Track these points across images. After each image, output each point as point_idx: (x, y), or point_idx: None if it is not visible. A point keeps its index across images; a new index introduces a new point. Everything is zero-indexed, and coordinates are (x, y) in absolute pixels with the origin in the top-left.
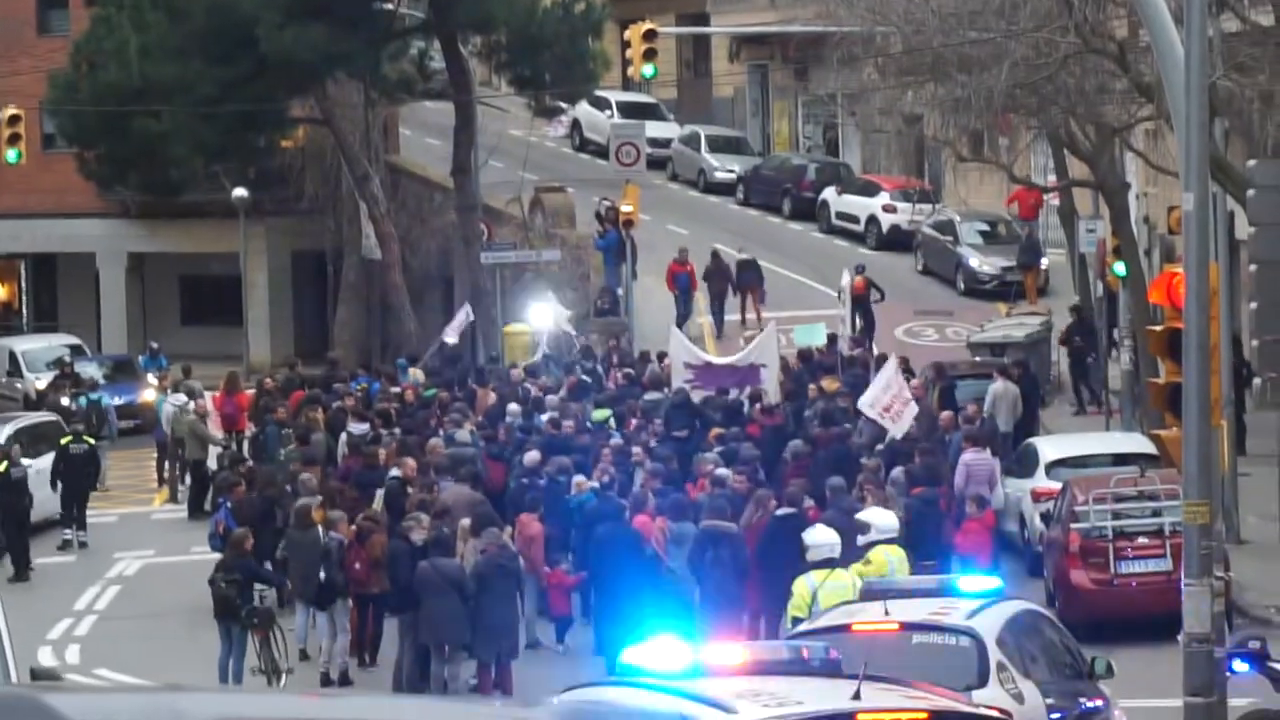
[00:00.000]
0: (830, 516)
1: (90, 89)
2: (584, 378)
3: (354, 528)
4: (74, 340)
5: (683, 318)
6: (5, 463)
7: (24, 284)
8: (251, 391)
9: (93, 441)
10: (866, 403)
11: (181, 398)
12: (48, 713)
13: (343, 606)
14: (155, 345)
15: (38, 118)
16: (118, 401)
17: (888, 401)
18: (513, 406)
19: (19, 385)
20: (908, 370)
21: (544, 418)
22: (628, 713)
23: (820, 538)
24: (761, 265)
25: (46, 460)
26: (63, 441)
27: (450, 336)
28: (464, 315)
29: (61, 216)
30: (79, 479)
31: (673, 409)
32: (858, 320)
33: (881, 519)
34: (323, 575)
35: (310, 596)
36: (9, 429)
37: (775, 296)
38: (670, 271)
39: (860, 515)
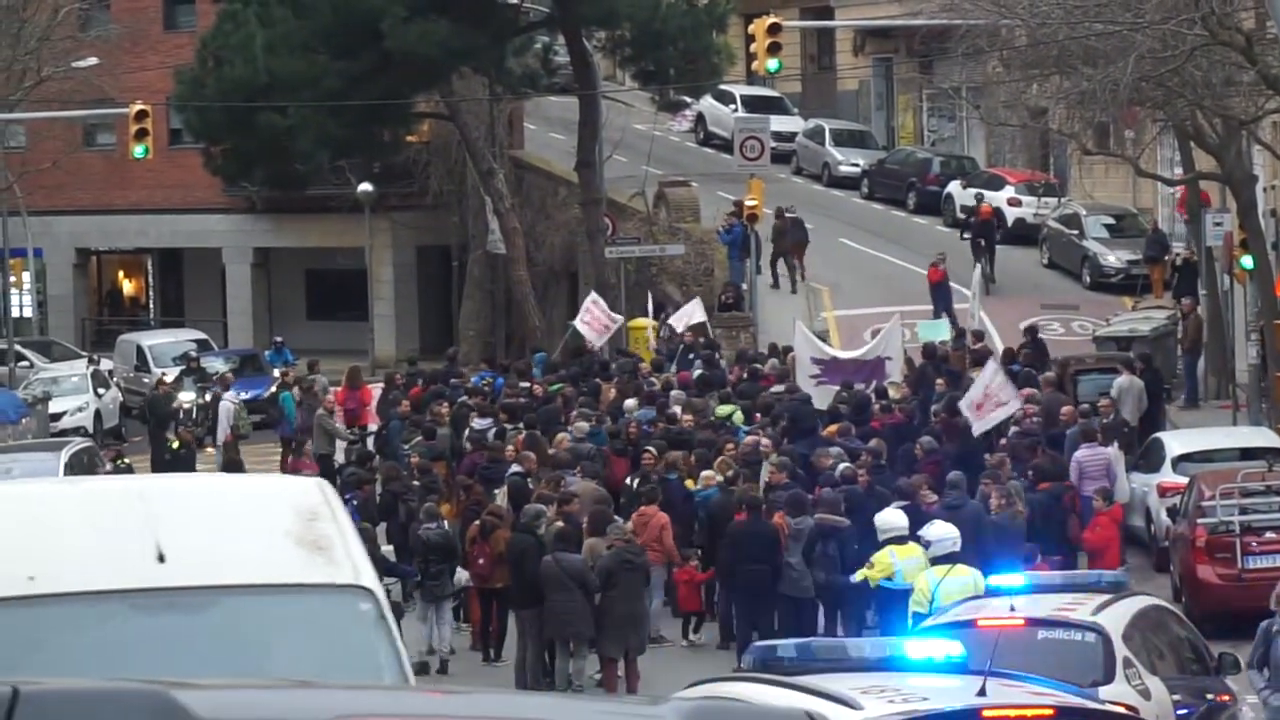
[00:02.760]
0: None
1: (216, 85)
2: (706, 371)
3: (478, 523)
4: (200, 335)
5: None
6: (113, 465)
7: (151, 279)
8: (375, 386)
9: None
10: (964, 401)
11: (234, 394)
12: (178, 709)
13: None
14: (280, 340)
15: (165, 114)
16: (244, 396)
17: (979, 399)
18: (629, 402)
19: (146, 380)
20: (1034, 364)
21: (673, 411)
22: (753, 708)
23: (940, 533)
24: (878, 257)
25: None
26: (174, 446)
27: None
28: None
29: (188, 212)
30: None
31: (796, 407)
32: (981, 244)
33: (941, 532)
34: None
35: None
36: (65, 455)
37: (899, 291)
38: (933, 278)
39: (922, 531)
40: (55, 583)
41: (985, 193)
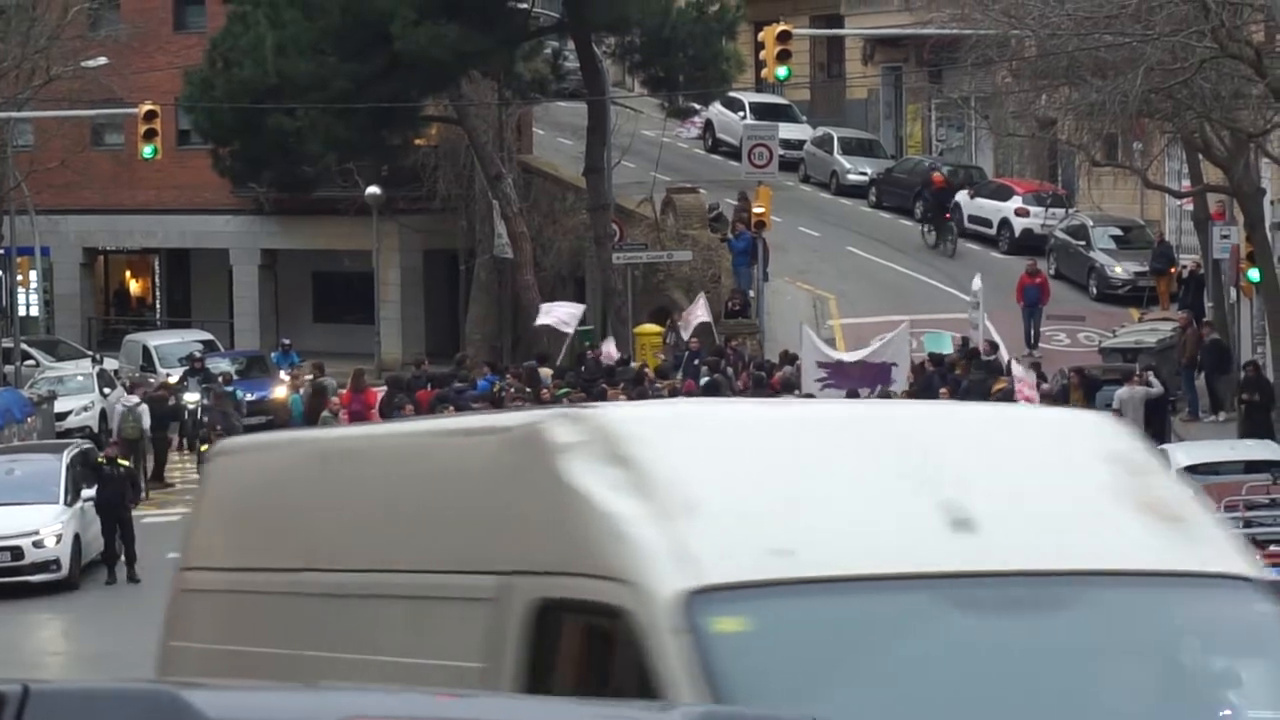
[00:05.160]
0: None
1: (225, 86)
2: (716, 377)
3: None
4: (207, 336)
5: (1029, 335)
6: (109, 464)
7: (158, 279)
8: (379, 389)
9: (126, 464)
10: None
11: (133, 399)
12: (187, 709)
13: None
14: (287, 341)
15: (173, 114)
16: (249, 398)
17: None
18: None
19: (152, 380)
20: (1040, 374)
21: None
22: (763, 712)
23: None
24: (885, 266)
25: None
26: (204, 450)
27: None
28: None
29: (195, 212)
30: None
31: None
32: (940, 214)
33: None
34: None
35: None
36: (67, 456)
37: (907, 300)
38: (1021, 284)
39: None
40: (821, 563)
41: (942, 169)
